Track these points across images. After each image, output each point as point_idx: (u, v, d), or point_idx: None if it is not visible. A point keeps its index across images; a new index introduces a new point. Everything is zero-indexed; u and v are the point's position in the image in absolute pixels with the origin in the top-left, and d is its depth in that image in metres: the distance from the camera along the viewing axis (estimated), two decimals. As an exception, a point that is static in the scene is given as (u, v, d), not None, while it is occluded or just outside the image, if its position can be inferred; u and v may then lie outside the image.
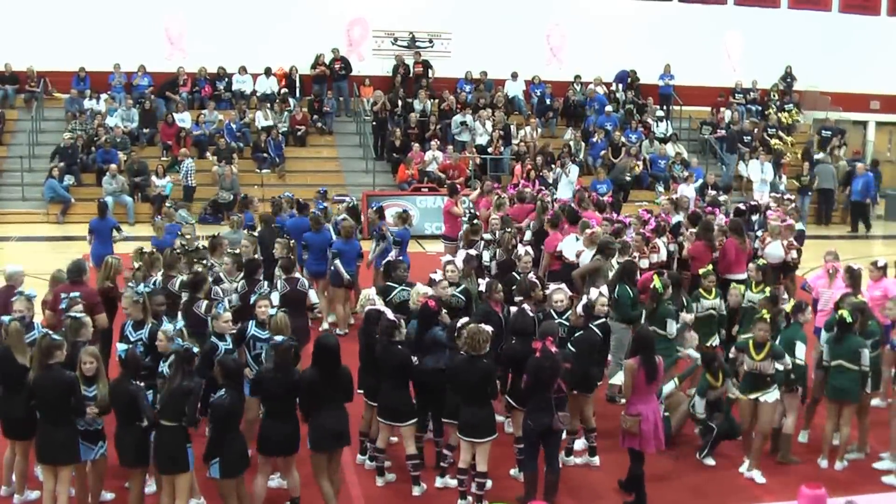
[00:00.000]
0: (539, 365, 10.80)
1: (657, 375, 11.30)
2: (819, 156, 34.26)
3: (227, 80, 33.36)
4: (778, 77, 37.97)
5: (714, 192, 23.85)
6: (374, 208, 19.99)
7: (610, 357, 14.11)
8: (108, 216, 19.67)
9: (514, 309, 12.74)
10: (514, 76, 35.17)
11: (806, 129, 37.24)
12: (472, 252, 15.63)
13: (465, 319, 11.71)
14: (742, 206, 20.67)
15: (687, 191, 24.14)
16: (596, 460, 12.60)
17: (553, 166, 29.40)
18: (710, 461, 12.84)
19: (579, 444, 12.73)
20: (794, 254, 18.22)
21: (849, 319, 12.44)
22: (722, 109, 36.14)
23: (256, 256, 15.70)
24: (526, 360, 10.92)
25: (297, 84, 33.66)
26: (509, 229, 17.55)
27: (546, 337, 10.96)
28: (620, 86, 36.26)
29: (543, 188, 24.17)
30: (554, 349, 10.87)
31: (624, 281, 14.58)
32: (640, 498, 11.50)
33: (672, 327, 13.56)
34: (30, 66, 31.93)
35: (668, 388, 13.18)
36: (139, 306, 11.88)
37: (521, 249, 15.57)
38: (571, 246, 17.05)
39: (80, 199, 28.22)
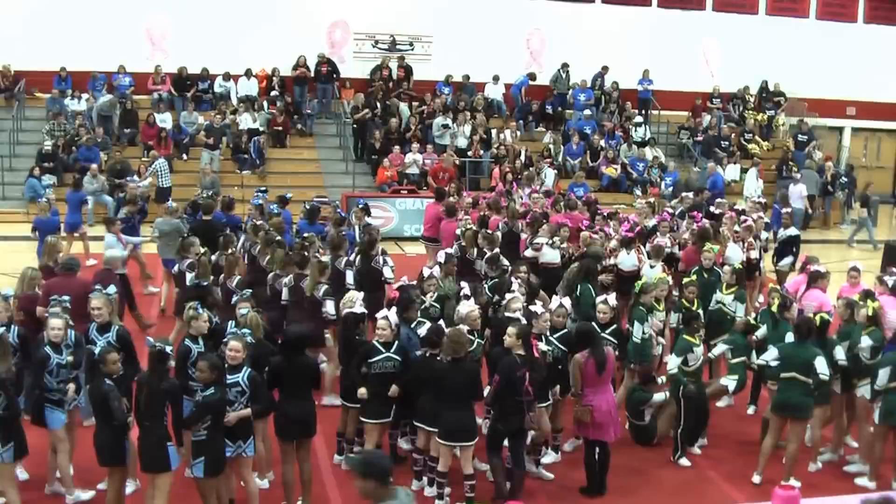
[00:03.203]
0: (510, 365, 11.02)
1: (607, 366, 11.60)
2: (808, 161, 34.55)
3: (209, 81, 33.45)
4: (756, 84, 38.24)
5: (691, 195, 24.11)
6: (360, 206, 20.11)
7: None
8: (81, 190, 24.67)
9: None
10: (496, 79, 35.33)
11: (783, 134, 37.50)
12: (451, 251, 15.83)
13: (434, 326, 11.82)
14: (715, 210, 21.12)
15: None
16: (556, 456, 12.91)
17: (531, 169, 29.59)
18: (685, 462, 13.09)
19: (548, 459, 12.79)
20: (753, 254, 18.69)
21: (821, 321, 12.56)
22: (704, 114, 36.46)
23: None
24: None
25: (278, 86, 33.69)
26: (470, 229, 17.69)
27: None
28: (598, 81, 36.49)
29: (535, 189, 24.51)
30: (523, 352, 11.04)
31: (587, 280, 14.82)
32: (592, 484, 11.89)
33: (638, 332, 13.75)
34: (6, 65, 32.00)
35: (659, 398, 13.50)
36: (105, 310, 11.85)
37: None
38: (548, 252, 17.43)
39: (61, 199, 28.18)
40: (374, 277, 15.73)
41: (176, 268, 16.33)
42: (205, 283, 14.28)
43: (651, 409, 13.57)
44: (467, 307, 12.49)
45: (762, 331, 13.63)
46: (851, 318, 13.39)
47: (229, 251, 15.96)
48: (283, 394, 10.96)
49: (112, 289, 12.54)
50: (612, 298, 13.33)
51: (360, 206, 19.99)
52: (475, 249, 16.80)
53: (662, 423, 13.59)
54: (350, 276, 15.63)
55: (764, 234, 20.33)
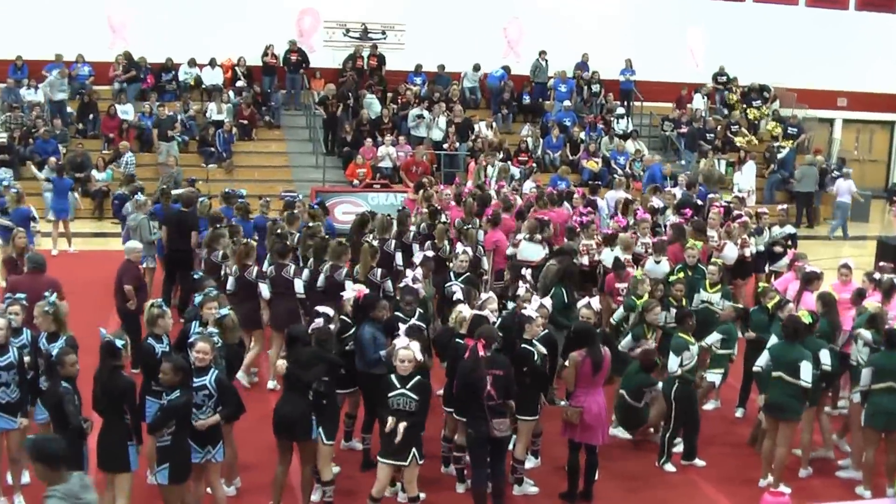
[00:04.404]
0: (464, 369, 10.99)
1: (603, 366, 11.61)
2: (808, 157, 34.57)
3: (173, 71, 33.24)
4: (743, 74, 38.24)
5: (683, 190, 24.18)
6: (314, 206, 20.12)
7: None
8: (66, 177, 24.89)
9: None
10: (477, 68, 35.29)
11: (772, 126, 37.36)
12: (429, 253, 15.84)
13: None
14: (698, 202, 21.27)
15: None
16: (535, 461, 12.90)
17: (510, 163, 29.58)
18: (671, 468, 13.11)
19: (529, 464, 12.65)
20: (747, 251, 18.88)
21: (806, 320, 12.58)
22: (689, 105, 36.50)
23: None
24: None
25: (245, 76, 33.57)
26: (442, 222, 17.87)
27: (479, 338, 10.98)
28: (579, 72, 36.52)
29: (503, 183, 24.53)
30: (483, 353, 10.84)
31: (563, 282, 14.80)
32: (573, 489, 11.90)
33: (673, 364, 13.18)
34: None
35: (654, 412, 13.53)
36: (49, 318, 11.57)
37: (459, 248, 15.70)
38: (527, 247, 17.45)
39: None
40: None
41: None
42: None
43: (650, 395, 13.51)
44: (467, 311, 12.33)
45: (772, 340, 13.00)
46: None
47: (237, 241, 16.20)
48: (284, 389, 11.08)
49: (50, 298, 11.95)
50: (595, 302, 13.17)
51: (315, 205, 20.10)
52: (447, 245, 17.00)
53: (654, 414, 13.57)
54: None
55: (778, 231, 20.51)
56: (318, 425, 10.97)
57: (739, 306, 14.76)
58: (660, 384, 13.39)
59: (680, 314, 13.73)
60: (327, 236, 16.08)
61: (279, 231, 16.83)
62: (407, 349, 10.65)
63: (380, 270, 14.62)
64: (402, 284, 13.47)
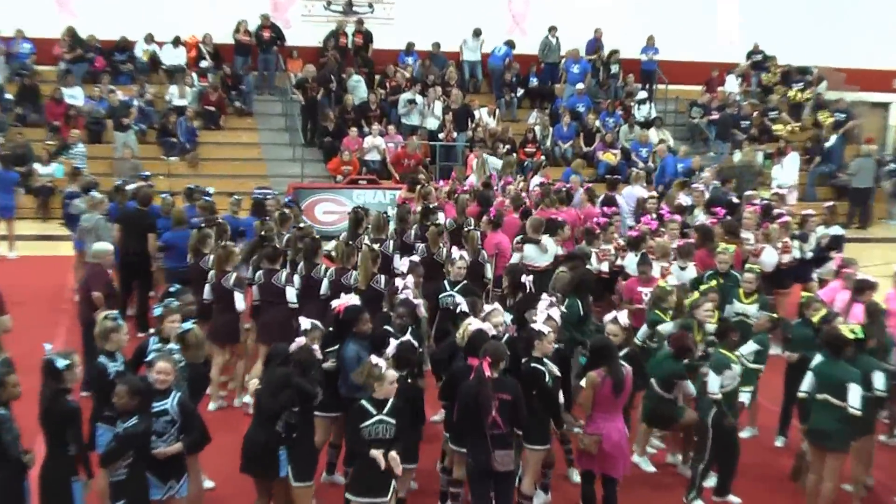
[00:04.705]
0: (468, 390, 10.91)
1: (625, 387, 11.53)
2: (863, 147, 34.50)
3: (128, 51, 33.16)
4: (782, 53, 38.17)
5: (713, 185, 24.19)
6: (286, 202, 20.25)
7: None
8: (11, 170, 25.00)
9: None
10: (478, 33, 35.13)
11: (824, 117, 37.00)
12: (415, 258, 15.81)
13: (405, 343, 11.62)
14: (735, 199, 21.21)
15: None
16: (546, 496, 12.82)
17: (515, 155, 29.56)
18: (701, 504, 13.05)
19: (538, 501, 12.55)
20: (786, 258, 18.76)
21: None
22: (720, 88, 36.48)
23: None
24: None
25: (211, 55, 33.57)
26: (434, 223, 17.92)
27: (485, 356, 10.83)
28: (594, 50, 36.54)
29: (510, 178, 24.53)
30: (490, 374, 10.73)
31: (577, 293, 14.71)
32: None
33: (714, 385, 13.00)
34: None
35: (691, 390, 13.43)
36: None
37: (455, 253, 15.61)
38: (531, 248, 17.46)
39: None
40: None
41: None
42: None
43: (679, 391, 13.39)
44: (476, 325, 12.08)
45: (816, 359, 12.68)
46: None
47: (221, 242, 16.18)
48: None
49: None
50: (623, 317, 12.95)
51: (290, 203, 20.17)
52: (443, 250, 16.94)
53: (683, 426, 13.51)
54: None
55: (822, 231, 20.47)
56: (288, 460, 10.91)
57: (775, 316, 14.68)
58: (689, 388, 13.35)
59: (722, 327, 13.56)
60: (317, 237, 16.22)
61: (264, 233, 16.86)
62: (376, 366, 10.52)
63: (383, 277, 14.73)
64: (400, 296, 13.36)
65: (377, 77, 34.05)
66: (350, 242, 15.54)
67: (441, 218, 18.96)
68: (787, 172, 32.02)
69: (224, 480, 12.35)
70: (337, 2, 35.11)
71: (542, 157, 30.54)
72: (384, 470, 10.23)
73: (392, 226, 18.29)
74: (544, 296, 13.19)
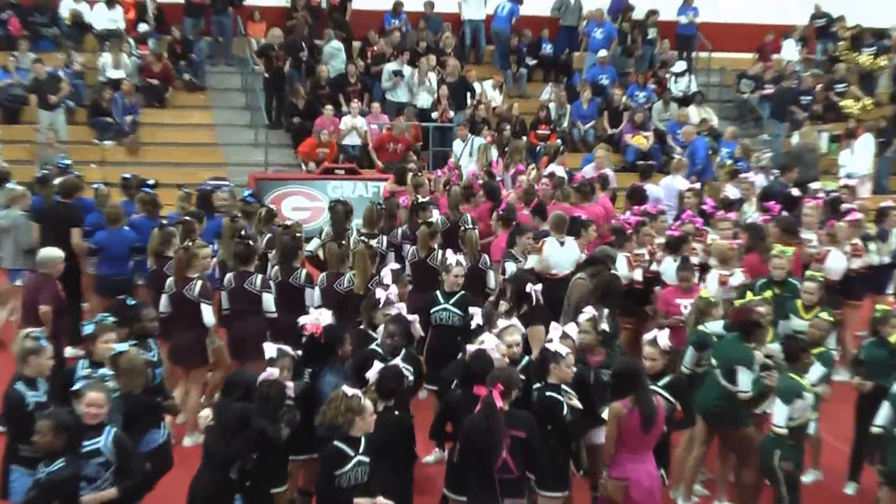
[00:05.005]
0: (475, 425, 10.81)
1: (656, 420, 11.30)
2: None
3: (50, 10, 33.08)
4: (852, 14, 38.11)
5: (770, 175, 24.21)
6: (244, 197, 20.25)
7: None
8: None
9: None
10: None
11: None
12: (395, 266, 15.77)
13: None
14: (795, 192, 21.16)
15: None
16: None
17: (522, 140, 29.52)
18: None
19: None
20: (856, 263, 18.66)
21: None
22: (776, 57, 36.43)
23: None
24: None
25: (156, 17, 33.56)
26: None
27: (495, 383, 10.73)
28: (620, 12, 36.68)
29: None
30: (501, 404, 10.61)
31: (602, 304, 14.58)
32: None
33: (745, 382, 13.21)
34: None
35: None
36: None
37: (450, 258, 15.52)
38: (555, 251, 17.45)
39: None
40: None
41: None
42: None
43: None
44: (491, 341, 11.98)
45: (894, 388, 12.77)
46: None
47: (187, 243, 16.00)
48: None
49: None
50: (664, 337, 12.63)
51: (249, 197, 20.16)
52: (439, 253, 16.90)
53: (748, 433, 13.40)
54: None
55: None
56: None
57: (832, 319, 14.49)
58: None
59: (793, 347, 13.19)
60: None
61: (242, 232, 16.77)
62: (354, 398, 10.46)
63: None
64: (392, 311, 13.30)
65: (357, 44, 34.01)
66: (342, 242, 15.52)
67: (435, 215, 18.88)
68: (859, 159, 31.87)
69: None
70: (309, -48, 35.05)
71: (559, 141, 30.41)
72: None
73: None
74: (588, 308, 13.16)
